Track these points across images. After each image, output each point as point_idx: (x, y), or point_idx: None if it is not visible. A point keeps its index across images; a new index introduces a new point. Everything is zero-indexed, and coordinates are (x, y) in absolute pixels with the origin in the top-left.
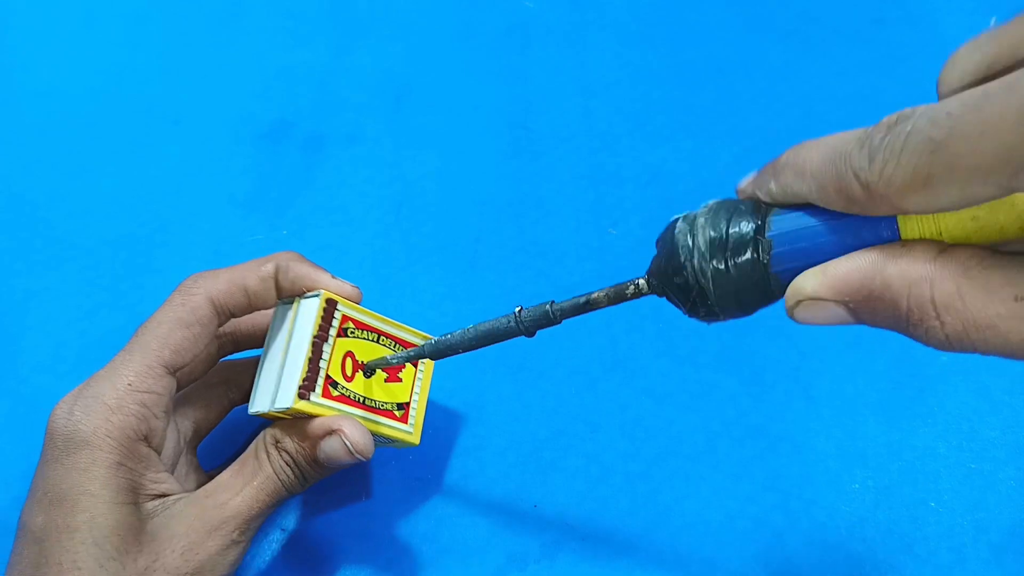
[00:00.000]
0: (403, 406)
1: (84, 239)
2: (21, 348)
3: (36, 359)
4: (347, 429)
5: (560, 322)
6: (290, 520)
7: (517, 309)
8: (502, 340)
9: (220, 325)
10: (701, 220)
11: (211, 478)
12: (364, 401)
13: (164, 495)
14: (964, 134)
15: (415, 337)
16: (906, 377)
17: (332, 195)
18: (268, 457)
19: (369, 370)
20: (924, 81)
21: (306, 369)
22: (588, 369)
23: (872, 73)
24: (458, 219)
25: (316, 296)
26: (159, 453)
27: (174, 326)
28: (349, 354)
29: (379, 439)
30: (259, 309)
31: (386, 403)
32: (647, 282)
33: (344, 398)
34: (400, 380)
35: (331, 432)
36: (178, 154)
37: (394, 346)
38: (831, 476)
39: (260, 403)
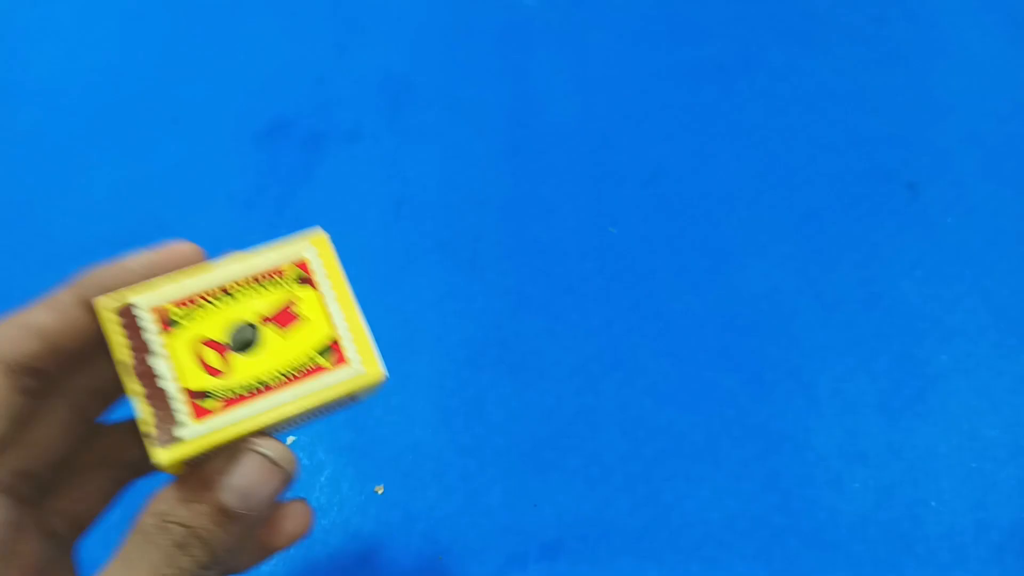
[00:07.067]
0: (331, 347)
1: (84, 239)
2: None
3: None
4: (256, 441)
5: None
6: None
7: None
8: None
9: (20, 386)
10: None
11: None
12: (265, 383)
13: None
14: None
15: (281, 255)
16: (906, 377)
17: (331, 194)
18: (157, 546)
19: (239, 346)
20: (924, 80)
21: (146, 408)
22: (588, 369)
23: (872, 72)
24: (458, 219)
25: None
26: None
27: None
28: (206, 342)
29: (328, 409)
30: (76, 352)
31: (301, 361)
32: None
33: (234, 400)
34: (299, 317)
35: (234, 457)
36: (177, 153)
37: (257, 285)
38: (831, 476)
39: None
